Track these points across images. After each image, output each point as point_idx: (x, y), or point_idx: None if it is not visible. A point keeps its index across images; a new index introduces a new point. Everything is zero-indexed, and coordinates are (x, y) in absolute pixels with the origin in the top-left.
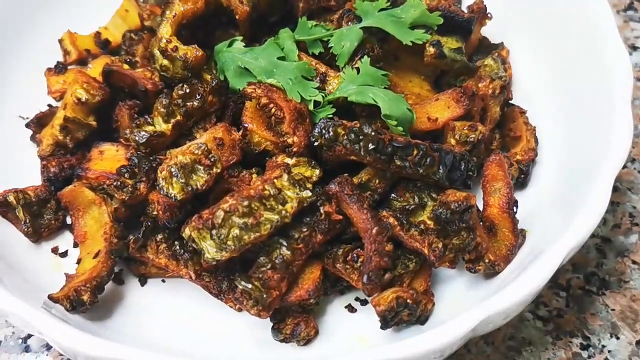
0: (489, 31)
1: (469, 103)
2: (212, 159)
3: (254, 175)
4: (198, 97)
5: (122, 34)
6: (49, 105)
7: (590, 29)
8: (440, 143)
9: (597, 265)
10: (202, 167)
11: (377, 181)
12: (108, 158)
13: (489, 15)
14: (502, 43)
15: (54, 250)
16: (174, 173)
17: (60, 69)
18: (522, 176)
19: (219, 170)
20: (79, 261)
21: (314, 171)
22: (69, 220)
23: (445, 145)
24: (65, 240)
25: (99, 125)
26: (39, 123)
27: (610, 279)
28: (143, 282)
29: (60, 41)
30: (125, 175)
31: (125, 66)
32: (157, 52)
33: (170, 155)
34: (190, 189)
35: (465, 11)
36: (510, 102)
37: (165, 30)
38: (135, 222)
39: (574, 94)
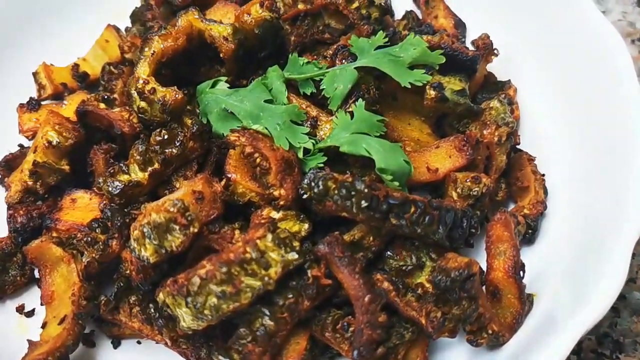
0: (496, 66)
1: (473, 152)
2: (189, 218)
3: (237, 232)
4: (177, 144)
5: (102, 66)
6: (20, 146)
7: (605, 64)
8: (441, 196)
9: (610, 325)
10: (177, 227)
11: (371, 239)
12: (80, 207)
13: (495, 51)
14: (509, 81)
15: (19, 309)
16: (146, 234)
17: (33, 105)
18: (530, 232)
19: (196, 230)
20: (44, 325)
21: (303, 225)
22: (37, 273)
23: (446, 200)
24: (32, 296)
25: (72, 169)
26: (7, 166)
27: (624, 341)
28: (116, 345)
29: (35, 74)
30: (97, 230)
31: (102, 105)
32: (134, 93)
33: (144, 212)
34: (164, 251)
35: (470, 47)
36: (517, 146)
37: (143, 70)
38: (109, 277)
39: (587, 137)
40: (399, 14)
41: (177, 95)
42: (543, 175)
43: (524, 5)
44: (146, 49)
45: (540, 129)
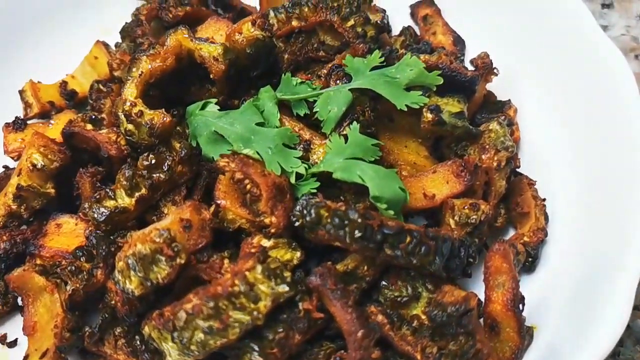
0: (495, 85)
1: (471, 178)
2: (176, 249)
3: (226, 261)
4: (165, 169)
5: (90, 83)
6: (5, 167)
7: (606, 84)
8: (437, 222)
9: (613, 354)
10: (163, 258)
11: (365, 268)
12: (66, 233)
13: (495, 70)
14: (509, 100)
15: (2, 339)
16: (131, 265)
17: (19, 125)
18: (530, 260)
19: (183, 262)
20: (26, 358)
21: (295, 254)
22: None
23: (442, 228)
24: (16, 325)
25: (58, 192)
26: None
27: None
28: None
29: (21, 92)
30: (82, 259)
31: (89, 126)
32: (121, 115)
33: (129, 242)
34: (149, 283)
35: (469, 66)
36: (517, 169)
37: (130, 92)
38: (94, 307)
39: (590, 160)
40: (396, 29)
41: (165, 119)
42: (544, 200)
43: (524, 22)
44: (134, 70)
45: (541, 151)
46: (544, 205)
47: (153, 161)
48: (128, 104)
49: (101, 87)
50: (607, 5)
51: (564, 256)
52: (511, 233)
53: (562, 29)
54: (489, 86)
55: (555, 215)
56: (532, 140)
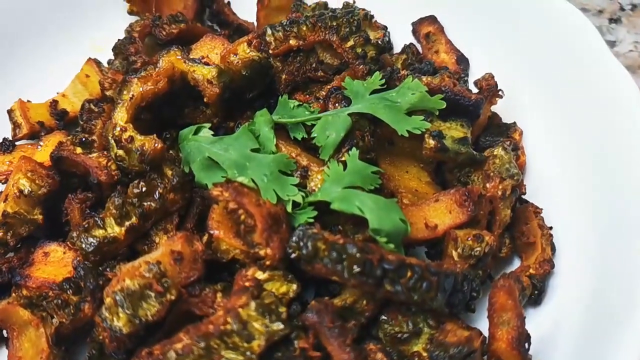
0: (500, 106)
1: (475, 208)
2: (166, 284)
3: (219, 294)
4: (156, 197)
5: (82, 103)
6: None
7: (615, 106)
8: (439, 252)
9: None
10: (153, 294)
11: (364, 303)
12: (53, 262)
13: (500, 93)
14: (514, 123)
15: None
16: (119, 302)
17: (6, 146)
18: (536, 292)
19: (173, 298)
20: None
21: (291, 286)
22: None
23: (445, 260)
24: (1, 358)
25: (46, 218)
26: None
27: None
28: None
29: (10, 112)
30: (69, 292)
31: (78, 149)
32: (111, 140)
33: (118, 276)
34: (138, 321)
35: (473, 88)
36: (522, 196)
37: (120, 116)
38: (81, 340)
39: (598, 187)
40: (397, 46)
41: (156, 145)
42: (550, 228)
43: (529, 40)
44: (124, 92)
45: (547, 176)
46: (551, 235)
47: (144, 189)
48: (118, 129)
49: (92, 106)
50: (614, 20)
51: (571, 289)
52: (516, 262)
53: (568, 47)
54: (493, 107)
55: (562, 245)
56: (538, 164)
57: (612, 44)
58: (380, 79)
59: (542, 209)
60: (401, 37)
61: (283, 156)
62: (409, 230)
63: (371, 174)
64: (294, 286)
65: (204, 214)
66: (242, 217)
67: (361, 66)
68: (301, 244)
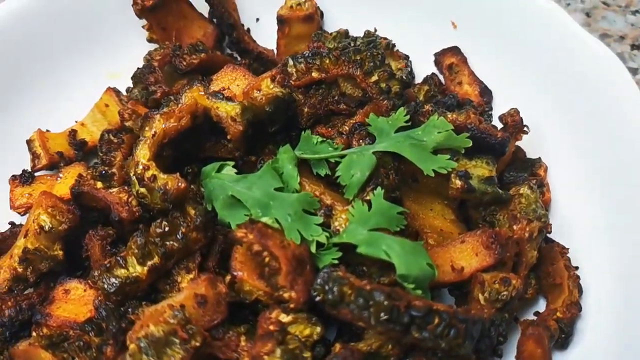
0: (524, 139)
1: (502, 251)
2: (191, 331)
3: (242, 338)
4: (179, 237)
5: (101, 133)
6: (11, 224)
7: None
8: (464, 296)
9: None
10: (178, 341)
11: (389, 347)
12: (74, 300)
13: (525, 129)
14: (539, 159)
15: None
16: (143, 348)
17: (26, 178)
18: (563, 336)
19: (198, 344)
20: None
21: (315, 329)
22: None
23: (472, 305)
24: None
25: (66, 253)
26: None
27: None
28: None
29: (29, 142)
30: (90, 334)
31: (99, 184)
32: (133, 177)
33: (142, 320)
34: None
35: (498, 122)
36: (548, 234)
37: (143, 154)
38: None
39: (625, 225)
40: (419, 76)
41: (179, 184)
42: (576, 268)
43: (553, 72)
44: (146, 129)
45: (573, 214)
46: (578, 277)
47: (166, 228)
48: (140, 167)
49: (112, 137)
50: (636, 46)
51: (598, 332)
52: (541, 302)
53: (592, 79)
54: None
55: (589, 286)
56: (563, 201)
57: (634, 71)
58: (405, 115)
59: (568, 249)
60: (423, 67)
61: (307, 195)
62: (436, 275)
63: (397, 215)
64: (318, 329)
65: (226, 252)
66: (267, 259)
67: (385, 101)
68: (326, 287)
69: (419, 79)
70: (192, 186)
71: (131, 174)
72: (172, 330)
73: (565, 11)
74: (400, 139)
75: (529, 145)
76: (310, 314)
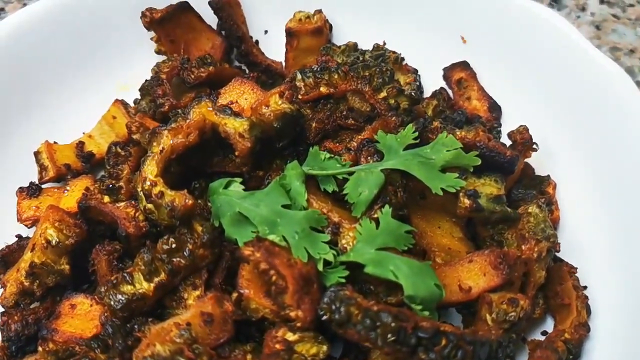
0: (533, 157)
1: (510, 272)
2: (197, 351)
3: (248, 356)
4: (186, 254)
5: (108, 145)
6: (18, 236)
7: None
8: (471, 315)
9: None
10: None
11: None
12: (80, 315)
13: (534, 146)
14: (548, 176)
15: None
16: None
17: (33, 191)
18: (571, 357)
19: None
20: None
21: (321, 347)
22: None
23: (479, 326)
24: None
25: (72, 267)
26: (3, 261)
27: None
28: None
29: (37, 154)
30: (97, 350)
31: (106, 198)
32: (140, 193)
33: (148, 338)
34: None
35: (506, 139)
36: (556, 253)
37: (150, 170)
38: None
39: (634, 243)
40: (427, 89)
41: (187, 201)
42: (585, 288)
43: (562, 88)
44: (154, 144)
45: (581, 232)
46: (586, 297)
47: (173, 245)
48: (148, 183)
49: (119, 150)
50: None
51: (607, 353)
52: (549, 322)
53: (601, 96)
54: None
55: (597, 306)
56: (572, 220)
57: None
58: (413, 132)
59: (576, 269)
60: (431, 81)
61: (314, 212)
62: (443, 296)
63: (404, 234)
64: (325, 347)
65: (232, 268)
66: (274, 277)
67: (393, 118)
68: (333, 307)
69: (427, 93)
70: (199, 201)
71: (138, 190)
72: (178, 350)
73: (575, 24)
74: (408, 156)
75: (537, 161)
76: (317, 333)
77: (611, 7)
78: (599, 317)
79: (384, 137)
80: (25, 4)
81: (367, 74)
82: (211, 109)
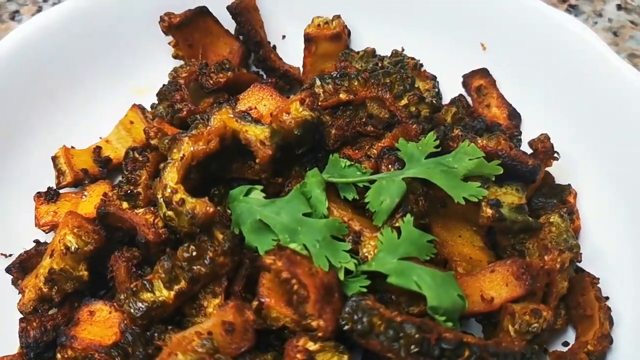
0: (553, 166)
1: (533, 282)
2: None
3: None
4: (207, 262)
5: (125, 151)
6: (36, 242)
7: None
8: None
9: None
10: None
11: None
12: (99, 322)
13: (556, 155)
14: (569, 185)
15: None
16: None
17: (51, 196)
18: None
19: None
20: None
21: (342, 357)
22: None
23: (501, 337)
24: None
25: (91, 275)
26: (22, 267)
27: None
28: None
29: (54, 159)
30: (117, 358)
31: (125, 204)
32: (160, 199)
33: (169, 347)
34: None
35: (527, 147)
36: (578, 263)
37: (171, 177)
38: None
39: None
40: (446, 96)
41: (208, 209)
42: (607, 299)
43: (583, 96)
44: (175, 151)
45: (604, 242)
46: (609, 308)
47: (194, 253)
48: (169, 190)
49: (137, 155)
50: None
51: None
52: (570, 332)
53: (622, 105)
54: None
55: (619, 317)
56: (593, 229)
57: None
58: (435, 140)
59: (599, 279)
60: (450, 87)
61: (335, 220)
62: (466, 307)
63: (426, 243)
64: (345, 357)
65: (252, 276)
66: (295, 286)
67: (414, 125)
68: (355, 317)
69: (445, 100)
70: (218, 208)
71: (159, 197)
72: (200, 359)
73: (592, 30)
74: (430, 165)
75: (557, 170)
76: (337, 343)
77: (629, 13)
78: (621, 328)
79: (405, 145)
80: (40, 7)
81: (387, 81)
82: (232, 115)
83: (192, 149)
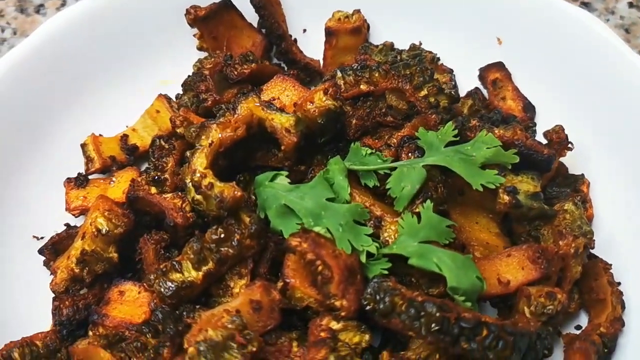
0: (566, 156)
1: (548, 266)
2: (248, 337)
3: (294, 344)
4: (234, 243)
5: (152, 139)
6: (67, 225)
7: None
8: (507, 308)
9: None
10: (235, 345)
11: (437, 356)
12: (128, 301)
13: (570, 145)
14: (582, 175)
15: None
16: (202, 352)
17: (81, 181)
18: (606, 351)
19: (255, 349)
20: None
21: (364, 336)
22: None
23: (517, 317)
24: None
25: (120, 257)
26: (54, 249)
27: None
28: None
29: (83, 146)
30: (147, 335)
31: (153, 189)
32: (189, 184)
33: (199, 324)
34: None
35: (542, 138)
36: (591, 250)
37: (200, 162)
38: None
39: None
40: (462, 89)
41: (236, 192)
42: (619, 284)
43: (596, 89)
44: (203, 138)
45: (616, 230)
46: (621, 293)
47: (222, 235)
48: (198, 174)
49: (163, 143)
50: None
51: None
52: (582, 316)
53: (635, 96)
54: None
55: (631, 301)
56: (605, 217)
57: None
58: (453, 129)
59: (611, 265)
60: (466, 80)
61: (357, 206)
62: (484, 288)
63: (445, 228)
64: (367, 336)
65: (276, 259)
66: (320, 267)
67: (433, 115)
68: (377, 297)
69: (461, 93)
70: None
71: (187, 181)
72: (230, 335)
73: None
74: (449, 153)
75: (570, 160)
76: (360, 323)
77: None
78: (632, 313)
79: (425, 134)
80: (64, 0)
81: (408, 72)
82: (258, 104)
83: (220, 135)
